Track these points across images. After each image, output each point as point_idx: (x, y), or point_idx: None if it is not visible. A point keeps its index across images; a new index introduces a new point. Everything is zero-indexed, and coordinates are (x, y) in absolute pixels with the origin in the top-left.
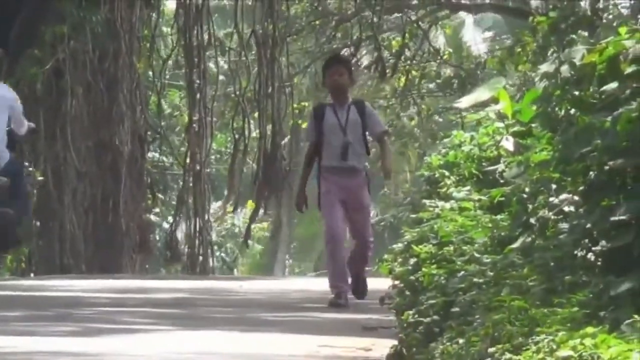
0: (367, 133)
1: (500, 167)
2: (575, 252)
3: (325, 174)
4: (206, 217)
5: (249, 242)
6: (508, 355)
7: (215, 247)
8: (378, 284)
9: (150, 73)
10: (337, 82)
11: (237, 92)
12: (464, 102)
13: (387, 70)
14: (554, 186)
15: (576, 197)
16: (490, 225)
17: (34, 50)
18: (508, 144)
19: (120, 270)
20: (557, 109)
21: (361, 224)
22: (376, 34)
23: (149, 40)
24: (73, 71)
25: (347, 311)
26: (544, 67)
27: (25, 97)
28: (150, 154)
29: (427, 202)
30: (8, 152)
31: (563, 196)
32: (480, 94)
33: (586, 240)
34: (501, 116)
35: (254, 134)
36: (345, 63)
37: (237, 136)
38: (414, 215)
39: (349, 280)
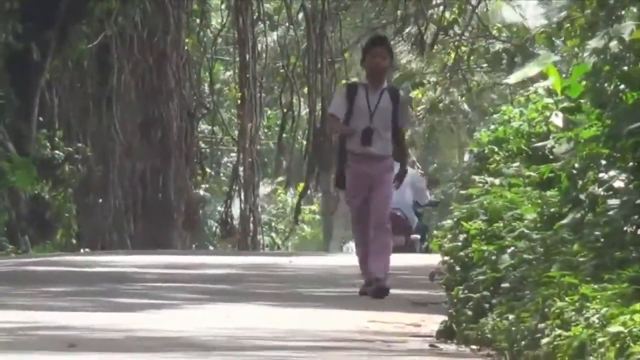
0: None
1: (550, 143)
2: (625, 227)
3: (349, 159)
4: (255, 193)
5: (299, 220)
6: (558, 331)
7: (266, 227)
8: (428, 260)
9: (203, 49)
10: (379, 65)
11: (286, 68)
12: (513, 78)
13: (427, 45)
14: (603, 162)
15: (625, 173)
16: (539, 201)
17: (82, 26)
18: (557, 119)
19: (169, 246)
20: (606, 85)
21: (379, 207)
22: (421, 8)
23: (198, 15)
24: (121, 47)
25: (396, 287)
26: (593, 43)
27: (72, 73)
28: (200, 128)
29: (476, 178)
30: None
31: (612, 172)
32: (529, 69)
33: (636, 216)
34: (550, 92)
35: (303, 111)
36: (388, 46)
37: (285, 111)
38: (463, 192)
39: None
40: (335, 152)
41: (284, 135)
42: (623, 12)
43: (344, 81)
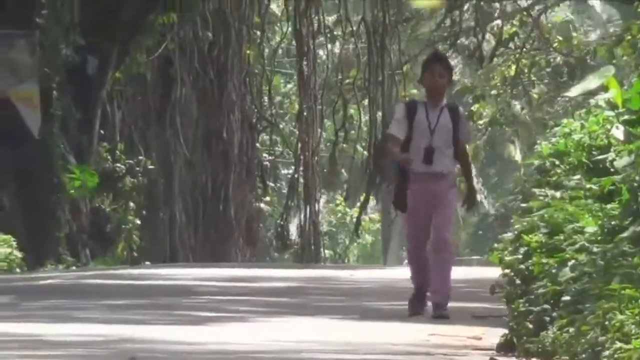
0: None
1: (611, 155)
2: None
3: (411, 178)
4: (316, 206)
5: (360, 232)
6: (619, 344)
7: (326, 238)
8: (488, 272)
9: (263, 61)
10: (437, 83)
11: (348, 80)
12: (574, 90)
13: (485, 58)
14: None
15: None
16: (600, 214)
17: (143, 39)
18: (618, 132)
19: (229, 259)
20: None
21: (439, 226)
22: (481, 21)
23: (259, 28)
24: (182, 60)
25: (457, 300)
26: None
27: (134, 86)
28: (260, 139)
29: (537, 191)
30: None
31: None
32: (590, 82)
33: None
34: (611, 104)
35: (364, 123)
36: (447, 63)
37: (345, 124)
38: (524, 205)
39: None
40: (393, 171)
41: (344, 145)
42: None
43: (403, 96)
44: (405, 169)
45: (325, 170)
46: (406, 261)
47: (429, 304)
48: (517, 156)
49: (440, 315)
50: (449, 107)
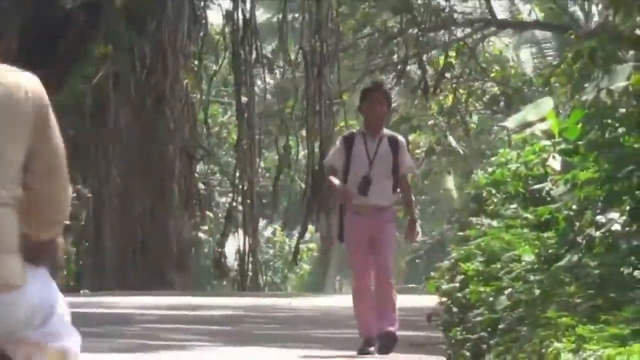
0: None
1: (547, 185)
2: (622, 269)
3: (348, 210)
4: (255, 235)
5: (298, 261)
6: None
7: (264, 267)
8: (425, 301)
9: (202, 89)
10: (376, 112)
11: (287, 110)
12: (512, 121)
13: (430, 88)
14: (600, 204)
15: (623, 216)
16: (537, 242)
17: (80, 67)
18: (555, 162)
19: (169, 287)
20: (600, 132)
21: (381, 263)
22: (420, 51)
23: (196, 57)
24: (120, 88)
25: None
26: (584, 96)
27: (72, 113)
28: (198, 169)
29: (474, 219)
30: None
31: (610, 215)
32: (529, 114)
33: (632, 258)
34: (548, 134)
35: (301, 153)
36: (386, 92)
37: (283, 153)
38: (461, 233)
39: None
40: (334, 203)
41: (281, 177)
42: (619, 54)
43: (341, 126)
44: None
45: (263, 201)
46: (343, 289)
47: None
48: (451, 185)
49: (386, 347)
50: (389, 137)
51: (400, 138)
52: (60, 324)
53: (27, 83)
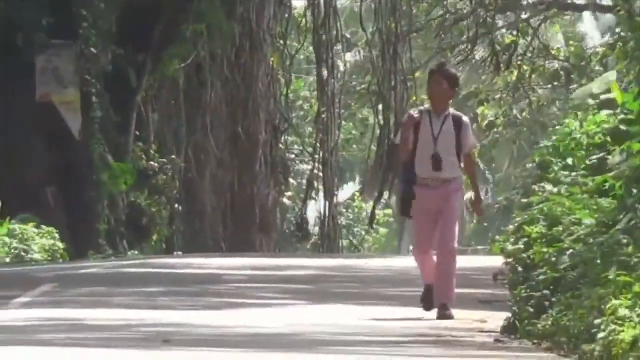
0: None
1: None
2: None
3: (418, 183)
4: (335, 200)
5: (374, 225)
6: (612, 326)
7: (344, 231)
8: (491, 261)
9: (286, 66)
10: (436, 92)
11: (363, 86)
12: (578, 93)
13: (501, 65)
14: None
15: None
16: (595, 207)
17: (174, 48)
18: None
19: (255, 249)
20: None
21: (446, 230)
22: (490, 30)
23: (281, 37)
24: (212, 66)
25: (464, 286)
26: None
27: (168, 91)
28: (282, 140)
29: (536, 187)
30: None
31: None
32: (595, 86)
33: None
34: (610, 105)
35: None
36: (445, 73)
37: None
38: (524, 200)
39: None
40: (399, 179)
41: (359, 147)
42: None
43: (414, 100)
44: (412, 176)
45: (342, 168)
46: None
47: None
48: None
49: (444, 316)
50: (453, 116)
51: (465, 118)
52: None
53: None
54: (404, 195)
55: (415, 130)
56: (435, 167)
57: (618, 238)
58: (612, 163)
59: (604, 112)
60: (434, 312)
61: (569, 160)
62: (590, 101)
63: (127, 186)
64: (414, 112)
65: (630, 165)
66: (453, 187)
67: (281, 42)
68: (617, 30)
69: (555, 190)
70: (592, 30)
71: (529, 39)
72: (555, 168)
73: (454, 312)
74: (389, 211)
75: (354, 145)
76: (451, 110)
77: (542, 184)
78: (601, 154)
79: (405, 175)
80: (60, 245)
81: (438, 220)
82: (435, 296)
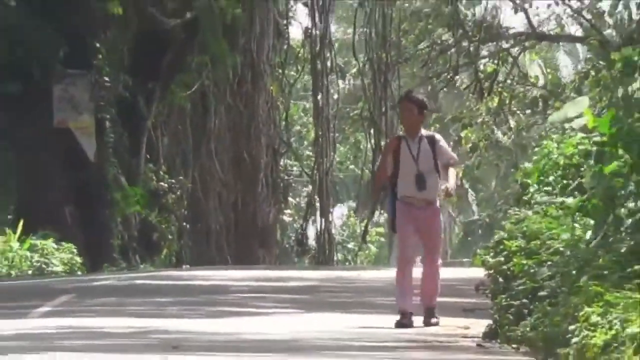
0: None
1: (582, 174)
2: None
3: (400, 202)
4: (330, 217)
5: (367, 240)
6: (585, 332)
7: (339, 247)
8: (473, 273)
9: (285, 94)
10: (406, 118)
11: (356, 111)
12: (555, 117)
13: (484, 92)
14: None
15: None
16: (571, 226)
17: (182, 77)
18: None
19: (258, 263)
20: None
21: (430, 248)
22: (473, 60)
23: (280, 67)
24: (216, 94)
25: (449, 295)
26: (616, 97)
27: (176, 117)
28: (281, 162)
29: (512, 210)
30: None
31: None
32: (569, 110)
33: None
34: (583, 129)
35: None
36: (413, 99)
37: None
38: (503, 223)
39: (415, 302)
40: (387, 198)
41: (352, 167)
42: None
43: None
44: (395, 194)
45: (337, 189)
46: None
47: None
48: (498, 176)
49: (431, 323)
50: (427, 137)
51: (437, 136)
52: None
53: None
54: (392, 214)
55: (395, 155)
56: (419, 187)
57: (592, 251)
58: (586, 184)
59: (579, 135)
60: (420, 319)
61: (551, 178)
62: (566, 125)
63: (141, 208)
64: (391, 139)
65: (603, 185)
66: (434, 210)
67: (280, 71)
68: (589, 58)
69: (530, 213)
70: (566, 59)
71: (509, 67)
72: (532, 190)
73: (441, 319)
74: (380, 229)
75: (351, 166)
76: (423, 131)
77: (517, 208)
78: (579, 175)
79: (392, 196)
80: (78, 259)
81: (421, 235)
82: (422, 302)
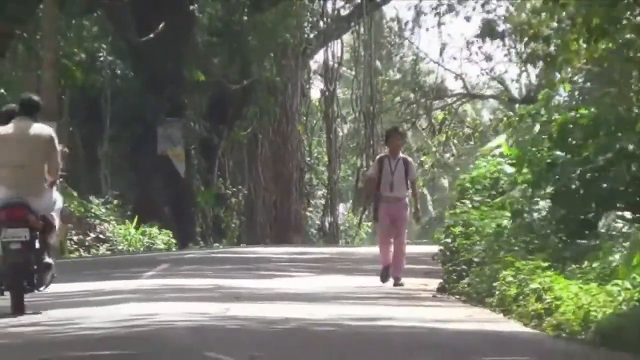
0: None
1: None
2: (547, 231)
3: (381, 199)
4: (337, 213)
5: (361, 227)
6: (503, 287)
7: (342, 233)
8: (431, 249)
9: (308, 133)
10: (394, 144)
11: (356, 144)
12: (484, 148)
13: (436, 131)
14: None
15: (544, 200)
16: (495, 217)
17: (240, 121)
18: (507, 168)
19: (290, 242)
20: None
21: (400, 232)
22: (428, 110)
23: (305, 115)
24: (263, 133)
25: (413, 263)
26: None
27: (237, 148)
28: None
29: (458, 204)
30: None
31: (543, 202)
32: (493, 144)
33: (553, 222)
34: (501, 155)
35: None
36: (399, 133)
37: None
38: (451, 212)
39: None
40: (372, 197)
41: (350, 179)
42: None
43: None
44: (378, 194)
45: (342, 193)
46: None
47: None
48: (446, 185)
49: (398, 285)
50: (403, 159)
51: (410, 159)
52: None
53: (42, 131)
54: (374, 208)
55: (380, 168)
56: (391, 189)
57: (508, 236)
58: (506, 190)
59: (499, 159)
60: (389, 283)
61: (481, 185)
62: (495, 152)
63: (213, 207)
64: (379, 156)
65: (516, 190)
66: (403, 204)
67: (304, 118)
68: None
69: (470, 205)
70: (490, 108)
71: (452, 115)
72: (471, 192)
73: (406, 280)
74: (369, 223)
75: (350, 178)
76: (401, 154)
77: (462, 201)
78: (500, 183)
79: (376, 197)
80: (173, 240)
81: (394, 224)
82: (391, 271)
